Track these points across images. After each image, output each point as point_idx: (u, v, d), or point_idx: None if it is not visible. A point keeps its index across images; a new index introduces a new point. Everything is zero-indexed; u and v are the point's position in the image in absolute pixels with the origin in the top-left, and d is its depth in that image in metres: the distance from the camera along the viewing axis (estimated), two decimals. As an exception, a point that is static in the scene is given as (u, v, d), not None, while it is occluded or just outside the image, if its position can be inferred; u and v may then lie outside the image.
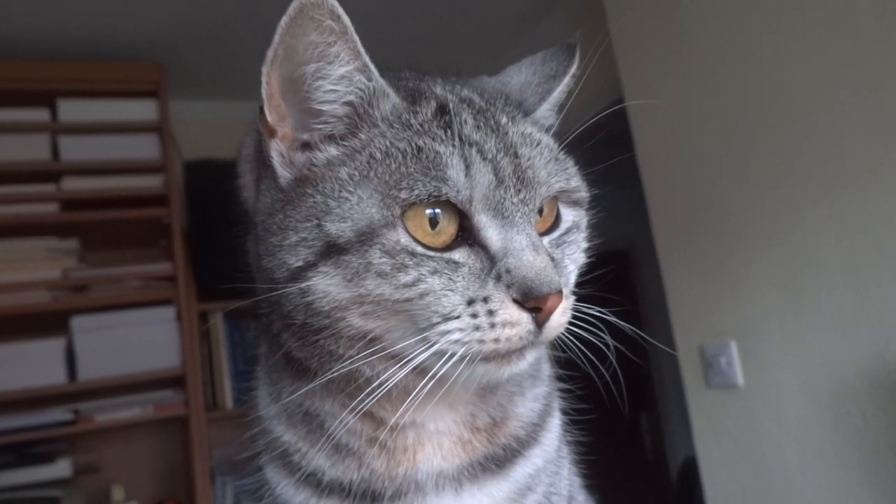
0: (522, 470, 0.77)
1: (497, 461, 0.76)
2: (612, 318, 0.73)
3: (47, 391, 2.69)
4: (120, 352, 2.79)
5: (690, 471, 3.31)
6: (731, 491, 2.22)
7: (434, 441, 0.75)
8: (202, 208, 3.10)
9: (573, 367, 0.81)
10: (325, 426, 0.75)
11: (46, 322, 2.77)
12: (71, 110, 2.89)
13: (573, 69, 0.80)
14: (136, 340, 2.83)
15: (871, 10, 1.72)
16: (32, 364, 2.68)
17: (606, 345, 0.74)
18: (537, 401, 0.81)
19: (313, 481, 0.76)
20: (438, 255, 0.64)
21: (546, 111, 0.80)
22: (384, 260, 0.63)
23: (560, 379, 0.85)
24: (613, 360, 0.75)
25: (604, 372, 0.75)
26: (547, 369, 0.84)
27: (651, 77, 2.41)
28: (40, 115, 2.85)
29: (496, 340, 0.63)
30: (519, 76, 0.82)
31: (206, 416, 2.94)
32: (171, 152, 3.04)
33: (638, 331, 0.82)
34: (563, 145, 0.73)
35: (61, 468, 2.70)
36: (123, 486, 2.88)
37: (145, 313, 2.88)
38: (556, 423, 0.83)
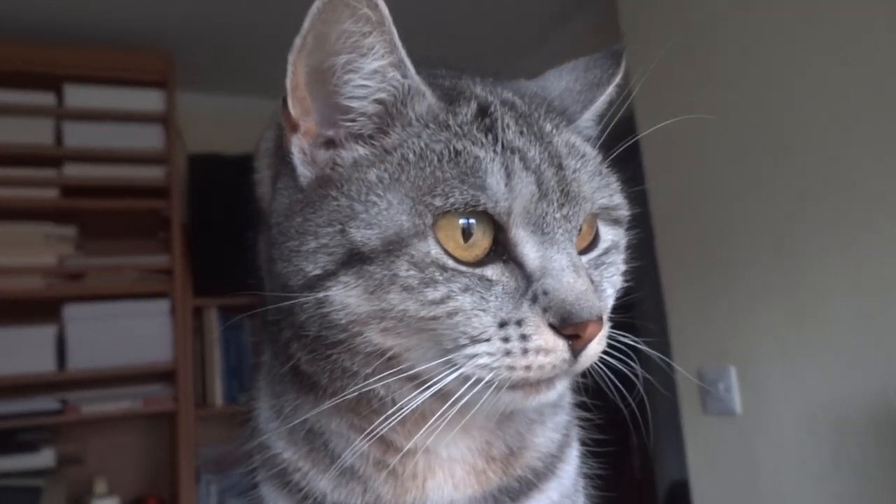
0: None
1: (511, 494, 0.71)
2: (644, 347, 0.69)
3: (35, 378, 2.65)
4: (111, 343, 2.74)
5: (678, 494, 3.28)
6: (724, 520, 2.18)
7: (446, 468, 0.70)
8: (203, 202, 3.07)
9: (589, 393, 0.77)
10: (330, 446, 0.70)
11: (39, 308, 2.74)
12: (77, 96, 2.85)
13: (618, 78, 0.75)
14: (129, 332, 2.79)
15: (890, 36, 1.69)
16: (22, 350, 2.64)
17: (636, 374, 0.69)
18: (557, 430, 0.76)
19: None
20: (470, 270, 0.59)
21: (588, 121, 0.75)
22: (412, 273, 0.58)
23: (582, 407, 0.80)
24: (642, 390, 0.70)
25: (630, 401, 0.71)
26: (568, 396, 0.79)
27: (663, 98, 2.39)
28: (46, 98, 2.81)
29: (527, 368, 0.58)
30: (560, 82, 0.77)
31: (194, 413, 2.90)
32: (175, 144, 3.00)
33: (663, 357, 0.78)
34: (607, 159, 0.69)
35: (44, 458, 2.66)
36: (106, 479, 2.83)
37: (139, 305, 2.85)
38: (574, 454, 0.78)
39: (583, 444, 0.81)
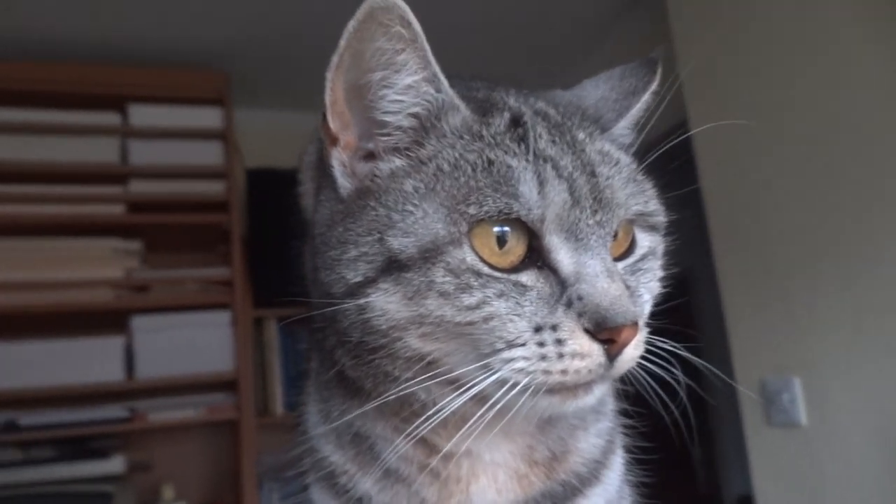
0: None
1: (555, 499, 0.72)
2: (685, 353, 0.68)
3: (105, 388, 2.75)
4: (176, 353, 2.83)
5: (745, 509, 3.17)
6: (790, 535, 2.10)
7: (489, 472, 0.71)
8: (262, 216, 3.14)
9: (636, 401, 0.76)
10: (375, 449, 0.72)
11: (108, 320, 2.84)
12: (141, 115, 2.97)
13: (654, 86, 0.75)
14: (193, 342, 2.87)
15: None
16: (92, 360, 2.74)
17: (677, 381, 0.68)
18: (600, 436, 0.76)
19: None
20: (505, 276, 0.60)
21: (624, 129, 0.75)
22: (448, 279, 0.59)
23: (624, 414, 0.80)
24: (684, 397, 0.70)
25: (673, 409, 0.70)
26: (611, 403, 0.79)
27: (718, 99, 2.33)
28: (111, 118, 2.93)
29: (563, 372, 0.59)
30: (596, 91, 0.78)
31: (256, 422, 2.96)
32: (234, 160, 3.08)
33: (709, 366, 0.77)
34: (642, 166, 0.69)
35: (115, 464, 2.74)
36: (174, 485, 2.91)
37: (202, 316, 2.93)
38: (618, 461, 0.78)
39: (629, 451, 0.80)
